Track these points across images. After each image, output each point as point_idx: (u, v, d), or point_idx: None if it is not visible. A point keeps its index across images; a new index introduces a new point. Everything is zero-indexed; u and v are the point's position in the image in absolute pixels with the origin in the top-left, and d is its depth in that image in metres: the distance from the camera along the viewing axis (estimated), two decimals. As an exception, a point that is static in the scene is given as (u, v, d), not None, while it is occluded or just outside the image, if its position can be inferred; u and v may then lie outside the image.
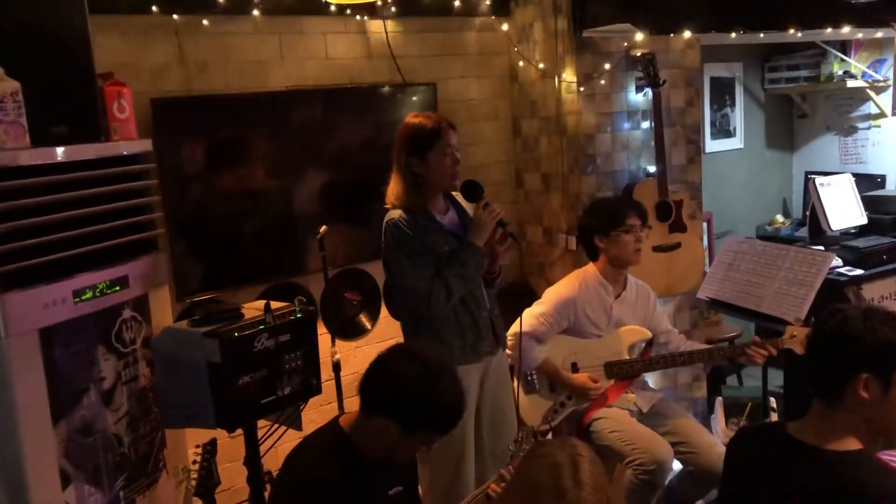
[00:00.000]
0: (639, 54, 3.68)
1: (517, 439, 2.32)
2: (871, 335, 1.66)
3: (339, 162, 3.59)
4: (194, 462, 2.49)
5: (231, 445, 2.87)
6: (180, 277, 3.18)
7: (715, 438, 3.13)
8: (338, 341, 3.34)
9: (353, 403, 2.10)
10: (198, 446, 2.51)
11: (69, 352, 2.23)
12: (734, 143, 5.28)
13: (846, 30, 3.91)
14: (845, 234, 4.29)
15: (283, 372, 2.41)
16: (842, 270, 3.86)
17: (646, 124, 3.87)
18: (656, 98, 3.68)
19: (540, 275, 4.15)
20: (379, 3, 3.48)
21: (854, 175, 4.54)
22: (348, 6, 3.44)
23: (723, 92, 5.15)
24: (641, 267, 3.43)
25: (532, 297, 3.46)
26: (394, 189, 2.70)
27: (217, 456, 2.50)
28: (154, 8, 3.04)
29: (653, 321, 3.25)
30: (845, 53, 4.95)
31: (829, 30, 3.90)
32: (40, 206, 2.14)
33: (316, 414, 3.30)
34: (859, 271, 3.85)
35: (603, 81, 3.75)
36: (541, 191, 4.07)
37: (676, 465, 3.05)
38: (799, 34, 3.89)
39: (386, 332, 3.74)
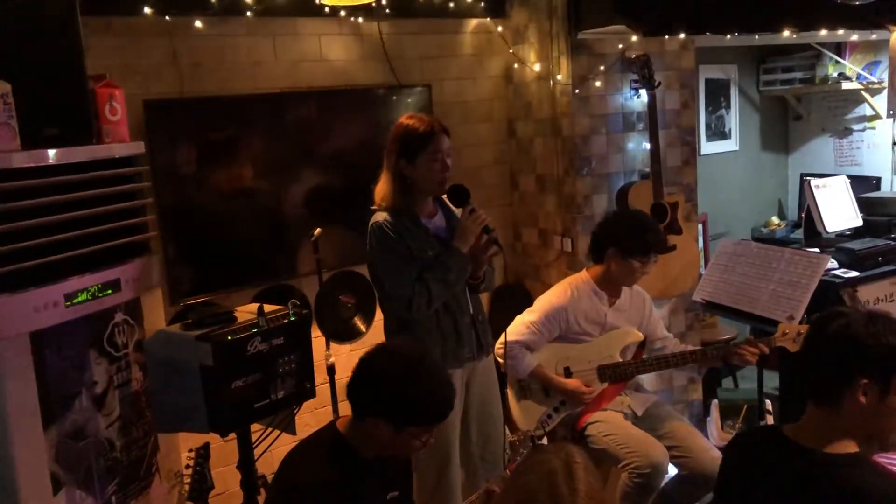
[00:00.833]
0: (634, 56, 3.68)
1: (514, 443, 2.31)
2: (875, 340, 1.65)
3: (334, 164, 3.58)
4: (187, 466, 2.47)
5: (224, 449, 2.85)
6: (173, 280, 3.17)
7: (709, 443, 3.12)
8: (332, 344, 3.33)
9: (347, 407, 2.10)
10: (191, 450, 2.50)
11: (60, 356, 2.22)
12: (729, 144, 5.28)
13: (841, 32, 3.92)
14: (840, 235, 4.30)
15: (277, 375, 2.40)
16: (837, 272, 3.86)
17: (641, 126, 3.86)
18: (651, 100, 3.67)
19: (535, 277, 4.14)
20: (373, 4, 3.47)
21: (849, 177, 4.55)
22: (342, 7, 3.43)
23: (718, 94, 5.15)
24: (637, 269, 3.43)
25: (527, 298, 3.46)
26: (381, 189, 2.68)
27: (210, 460, 2.49)
28: (147, 9, 3.02)
29: (649, 327, 3.24)
30: (840, 55, 4.96)
31: (824, 32, 3.91)
32: (31, 208, 2.13)
33: (310, 418, 3.29)
34: (854, 273, 3.85)
35: (598, 83, 3.74)
36: (536, 192, 4.06)
37: (672, 470, 3.04)
38: (794, 36, 3.90)
39: (381, 334, 3.72)
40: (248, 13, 3.27)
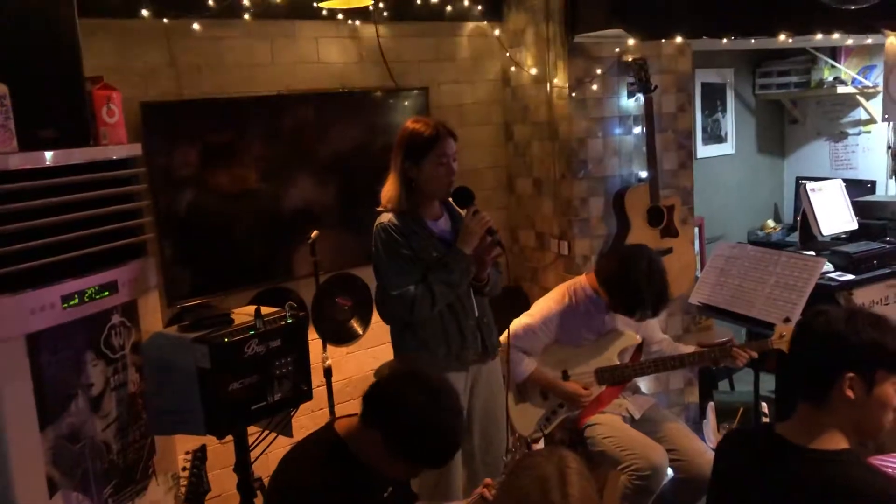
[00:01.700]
0: (630, 59, 3.69)
1: (511, 450, 2.31)
2: (855, 335, 1.67)
3: (331, 166, 3.58)
4: (184, 469, 2.47)
5: (221, 452, 2.85)
6: (170, 282, 3.16)
7: (705, 446, 3.12)
8: (329, 347, 3.33)
9: (344, 409, 2.10)
10: (187, 453, 2.50)
11: (57, 358, 2.21)
12: (725, 148, 5.29)
13: (836, 36, 3.93)
14: (836, 239, 4.31)
15: (274, 378, 2.40)
16: (833, 275, 3.87)
17: (637, 129, 3.87)
18: (648, 103, 3.68)
19: (532, 280, 4.14)
20: (371, 7, 3.47)
21: (844, 180, 4.56)
22: (340, 10, 3.44)
23: (714, 97, 5.16)
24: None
25: (524, 301, 3.46)
26: (388, 191, 2.69)
27: (207, 462, 2.49)
28: (144, 11, 3.03)
29: (647, 330, 3.24)
30: (835, 59, 4.98)
31: (820, 36, 3.92)
32: (28, 210, 2.12)
33: (307, 420, 3.28)
34: (850, 276, 3.86)
35: (595, 86, 3.75)
36: (533, 195, 4.07)
37: (668, 472, 3.04)
38: (789, 40, 3.91)
39: (378, 337, 3.73)
40: (246, 15, 3.27)
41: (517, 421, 3.12)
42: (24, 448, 2.11)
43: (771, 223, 5.40)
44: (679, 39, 3.73)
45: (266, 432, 2.66)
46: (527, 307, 3.23)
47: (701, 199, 4.40)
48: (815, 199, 4.32)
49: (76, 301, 2.24)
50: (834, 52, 4.98)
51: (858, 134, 5.17)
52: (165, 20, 3.11)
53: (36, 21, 2.28)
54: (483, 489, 2.11)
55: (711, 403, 4.11)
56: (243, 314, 2.46)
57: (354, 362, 3.72)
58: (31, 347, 2.13)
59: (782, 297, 3.21)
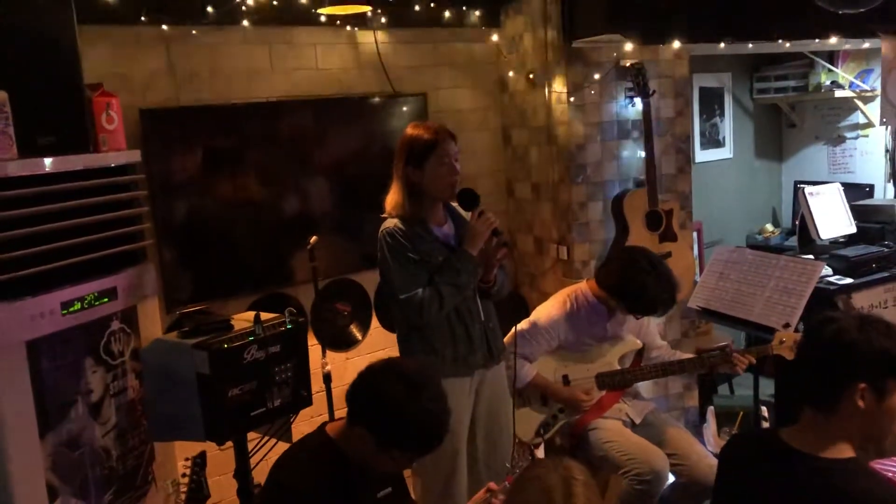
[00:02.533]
0: (628, 64, 3.69)
1: (513, 456, 2.31)
2: (868, 344, 1.65)
3: (330, 172, 3.58)
4: (184, 475, 2.46)
5: (221, 458, 2.84)
6: (169, 288, 3.16)
7: (705, 450, 3.12)
8: (328, 352, 3.33)
9: (343, 415, 2.10)
10: (187, 459, 2.49)
11: (56, 364, 2.21)
12: (723, 152, 5.30)
13: (833, 40, 3.94)
14: (834, 243, 4.31)
15: (273, 383, 2.40)
16: (831, 279, 3.88)
17: (636, 134, 3.88)
18: (646, 108, 3.69)
19: (531, 285, 4.14)
20: (369, 13, 3.48)
21: (842, 184, 4.57)
22: (338, 17, 3.44)
23: (712, 102, 5.17)
24: (632, 276, 3.43)
25: (524, 306, 3.46)
26: (392, 198, 2.69)
27: (207, 469, 2.48)
28: (143, 18, 3.03)
29: (647, 336, 3.24)
30: (833, 64, 4.99)
31: (817, 40, 3.93)
32: (28, 217, 2.13)
33: (307, 426, 3.26)
34: (849, 280, 3.86)
35: (593, 91, 3.76)
36: (531, 200, 4.07)
37: (670, 477, 3.04)
38: (787, 44, 3.92)
39: (377, 342, 3.73)
40: (245, 22, 3.28)
41: (518, 426, 3.12)
42: (23, 455, 2.11)
43: (769, 227, 5.41)
44: (677, 44, 3.74)
45: (266, 438, 2.66)
46: (526, 312, 3.23)
47: (699, 204, 4.41)
48: (813, 203, 4.32)
49: (76, 307, 2.25)
50: (831, 57, 4.99)
51: (856, 138, 5.18)
52: (164, 27, 3.12)
53: (35, 28, 2.28)
54: (486, 493, 2.11)
55: (711, 408, 4.11)
56: (242, 320, 2.45)
57: (354, 368, 3.70)
58: (30, 354, 2.13)
59: (781, 301, 3.21)
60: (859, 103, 4.98)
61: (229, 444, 2.44)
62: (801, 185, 4.55)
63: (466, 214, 2.77)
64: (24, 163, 2.15)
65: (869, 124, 5.03)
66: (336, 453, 2.02)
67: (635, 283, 2.94)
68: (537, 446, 2.63)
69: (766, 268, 3.37)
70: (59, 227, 2.21)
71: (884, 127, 4.78)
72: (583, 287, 3.16)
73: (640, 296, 2.95)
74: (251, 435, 2.52)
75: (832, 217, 4.36)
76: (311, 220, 3.51)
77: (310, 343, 2.67)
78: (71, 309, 2.23)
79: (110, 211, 2.41)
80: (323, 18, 3.42)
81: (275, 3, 3.26)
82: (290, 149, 3.46)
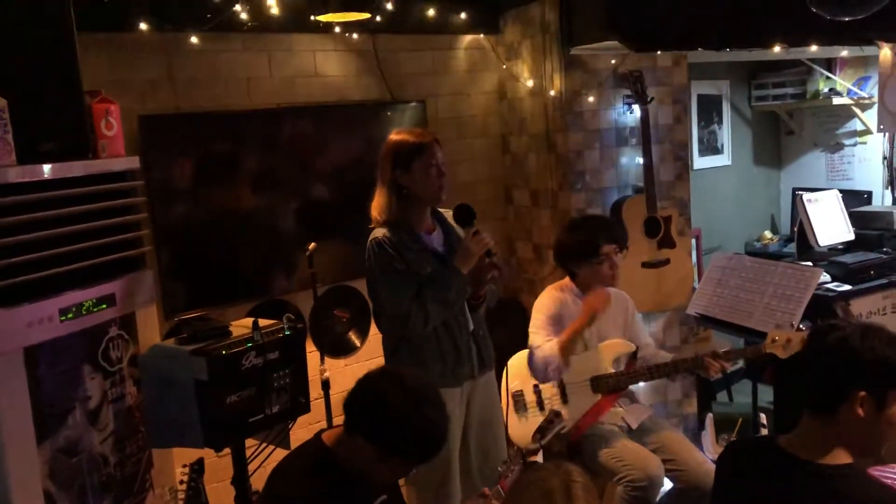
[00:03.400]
0: (626, 72, 3.70)
1: (506, 459, 2.30)
2: (870, 353, 1.66)
3: (329, 179, 3.59)
4: (181, 482, 2.46)
5: (219, 465, 2.84)
6: (168, 295, 3.16)
7: (703, 456, 3.12)
8: (327, 359, 3.32)
9: (341, 421, 2.09)
10: (185, 466, 2.49)
11: (55, 371, 2.21)
12: (722, 159, 5.31)
13: (831, 48, 3.96)
14: (833, 249, 4.32)
15: (272, 390, 2.40)
16: (830, 286, 3.88)
17: (634, 141, 3.89)
18: (644, 115, 3.70)
19: (530, 291, 4.14)
20: (368, 20, 3.49)
21: (841, 191, 4.57)
22: (337, 24, 3.45)
23: (710, 109, 5.18)
24: (630, 282, 3.45)
25: (522, 313, 3.46)
26: (378, 204, 2.67)
27: (204, 476, 2.48)
28: (142, 25, 3.04)
29: (632, 331, 3.25)
30: (830, 71, 5.00)
31: (815, 47, 3.94)
32: (27, 223, 2.12)
33: (305, 433, 3.26)
34: (847, 287, 3.86)
35: (591, 98, 3.77)
36: (530, 207, 4.08)
37: (667, 483, 3.03)
38: (785, 52, 3.93)
39: (375, 349, 3.70)
40: (244, 29, 3.28)
41: (513, 432, 3.12)
42: (21, 462, 2.11)
43: (768, 234, 5.42)
44: (675, 51, 3.75)
45: (264, 445, 2.66)
46: (524, 318, 3.23)
47: (698, 211, 4.42)
48: (811, 209, 4.33)
49: (74, 314, 2.24)
50: (829, 64, 5.01)
51: (854, 145, 5.19)
52: (164, 34, 3.13)
53: (35, 35, 2.28)
54: (481, 499, 2.10)
55: (710, 415, 4.11)
56: (241, 326, 2.45)
57: (352, 374, 3.68)
58: (28, 360, 2.12)
59: (780, 308, 3.21)
60: (857, 110, 5.00)
61: (227, 450, 2.44)
62: (800, 192, 4.56)
63: (461, 229, 2.77)
64: (24, 169, 2.15)
65: (867, 131, 5.05)
66: (332, 462, 2.02)
67: (577, 230, 3.15)
68: (535, 453, 2.62)
69: (764, 274, 3.38)
70: (57, 234, 2.21)
71: (881, 134, 4.79)
72: (566, 282, 3.22)
73: (579, 238, 3.10)
74: (249, 442, 2.52)
75: (830, 224, 4.37)
76: (310, 226, 3.51)
77: (308, 350, 2.67)
78: (69, 315, 2.23)
79: (109, 217, 2.41)
80: (322, 25, 3.43)
81: (274, 10, 3.27)
82: (289, 156, 3.47)
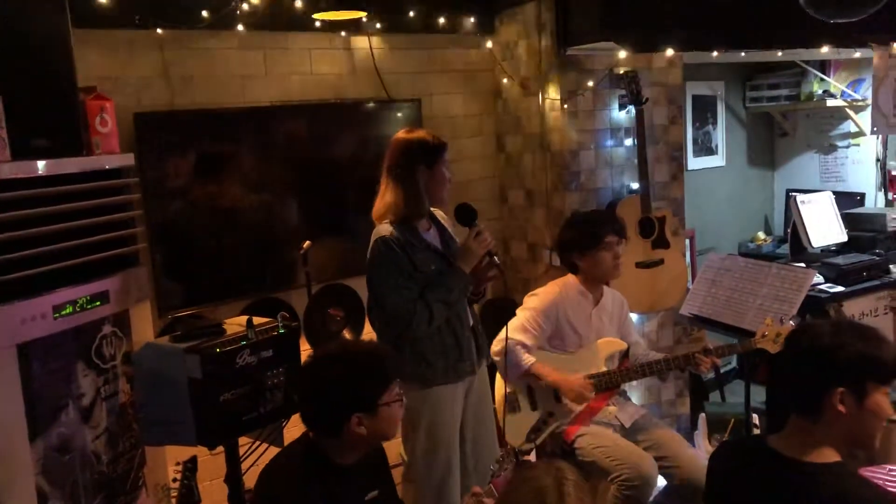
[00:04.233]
0: (622, 72, 3.71)
1: (498, 458, 2.31)
2: (841, 350, 1.68)
3: (323, 177, 3.58)
4: (174, 480, 2.46)
5: (212, 463, 2.83)
6: (162, 292, 3.16)
7: (697, 451, 3.13)
8: (321, 357, 3.32)
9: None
10: (178, 464, 2.48)
11: (48, 368, 2.20)
12: (716, 160, 5.32)
13: (825, 50, 3.97)
14: (826, 251, 4.33)
15: (266, 388, 2.40)
16: (823, 287, 3.89)
17: (629, 141, 3.89)
18: (639, 115, 3.70)
19: (525, 290, 4.13)
20: (364, 19, 3.49)
21: (834, 193, 4.60)
22: (333, 22, 3.45)
23: (705, 110, 5.20)
24: (624, 282, 3.45)
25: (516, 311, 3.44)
26: (388, 200, 2.64)
27: (198, 474, 2.47)
28: (138, 22, 3.03)
29: (624, 329, 3.27)
30: (825, 73, 5.02)
31: (809, 49, 3.96)
32: (20, 220, 2.12)
33: (298, 431, 3.26)
34: (840, 288, 3.88)
35: (586, 99, 3.77)
36: (525, 206, 4.08)
37: (661, 482, 3.04)
38: (779, 53, 3.95)
39: (369, 348, 3.72)
40: (239, 27, 3.28)
41: (507, 432, 3.12)
42: (13, 459, 2.10)
43: (761, 235, 5.44)
44: (670, 52, 3.76)
45: (257, 443, 2.65)
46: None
47: (692, 211, 4.43)
48: (805, 211, 4.34)
49: (67, 311, 2.24)
50: (823, 66, 5.03)
51: (847, 147, 5.21)
52: (159, 31, 3.12)
53: (29, 31, 2.28)
54: (472, 497, 2.10)
55: (703, 415, 4.12)
56: (235, 325, 2.45)
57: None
58: (21, 357, 2.12)
59: (773, 309, 3.22)
60: (851, 112, 5.02)
61: (220, 448, 2.44)
62: (793, 194, 4.58)
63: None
64: (17, 165, 2.14)
65: (860, 133, 5.07)
66: (321, 457, 2.03)
67: (574, 223, 3.20)
68: (528, 453, 2.62)
69: (757, 275, 3.39)
70: (51, 230, 2.20)
71: (875, 136, 4.81)
72: (569, 278, 3.21)
73: (582, 228, 3.12)
74: (243, 440, 2.52)
75: (824, 225, 4.39)
76: (305, 224, 3.51)
77: (302, 348, 2.66)
78: (62, 312, 2.22)
79: (103, 214, 2.41)
80: (318, 24, 3.43)
81: (269, 8, 3.26)
82: (283, 153, 3.46)
